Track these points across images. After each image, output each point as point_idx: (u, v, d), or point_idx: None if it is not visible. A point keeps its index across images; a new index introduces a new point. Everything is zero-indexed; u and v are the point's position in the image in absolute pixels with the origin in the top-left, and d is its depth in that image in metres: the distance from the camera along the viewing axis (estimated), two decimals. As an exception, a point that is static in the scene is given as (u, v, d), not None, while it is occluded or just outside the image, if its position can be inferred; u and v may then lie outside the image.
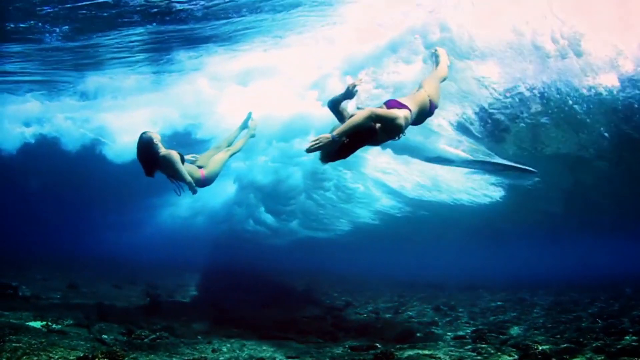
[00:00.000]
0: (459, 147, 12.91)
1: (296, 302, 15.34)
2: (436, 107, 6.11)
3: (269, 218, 25.66)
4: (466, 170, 15.33)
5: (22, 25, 11.42)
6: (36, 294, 12.31)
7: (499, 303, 15.76)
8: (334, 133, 4.91)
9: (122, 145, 19.50)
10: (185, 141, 18.02)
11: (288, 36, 12.93)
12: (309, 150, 4.87)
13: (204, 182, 7.26)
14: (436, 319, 12.71)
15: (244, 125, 8.42)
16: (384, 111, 5.26)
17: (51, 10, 10.75)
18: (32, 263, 21.98)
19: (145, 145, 6.55)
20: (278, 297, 16.31)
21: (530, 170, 13.42)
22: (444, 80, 6.78)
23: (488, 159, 13.19)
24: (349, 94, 5.58)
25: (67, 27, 11.65)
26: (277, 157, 18.83)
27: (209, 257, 33.45)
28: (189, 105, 17.88)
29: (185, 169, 6.84)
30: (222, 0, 10.85)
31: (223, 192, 27.60)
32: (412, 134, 11.93)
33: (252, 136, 8.41)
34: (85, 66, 15.14)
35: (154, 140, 6.60)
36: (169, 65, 15.55)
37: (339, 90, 5.73)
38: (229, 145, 8.03)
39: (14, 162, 22.01)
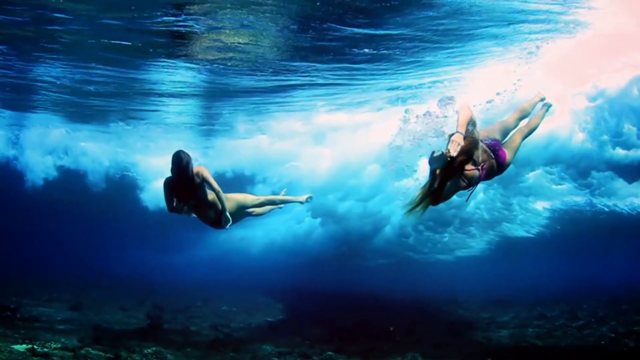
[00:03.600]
0: None
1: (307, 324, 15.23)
2: (495, 142, 5.55)
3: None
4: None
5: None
6: (35, 316, 12.59)
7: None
8: (458, 129, 4.63)
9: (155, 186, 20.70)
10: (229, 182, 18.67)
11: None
12: (455, 155, 4.51)
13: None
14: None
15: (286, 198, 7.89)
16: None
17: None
18: (54, 284, 22.37)
19: (186, 162, 6.11)
20: (285, 321, 16.25)
21: None
22: (527, 114, 6.22)
23: None
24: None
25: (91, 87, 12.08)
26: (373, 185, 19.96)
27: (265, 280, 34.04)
28: (239, 155, 18.84)
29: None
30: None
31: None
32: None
33: (305, 202, 7.90)
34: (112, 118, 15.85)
35: (190, 158, 6.25)
36: (214, 125, 16.32)
37: None
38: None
39: (43, 189, 23.16)
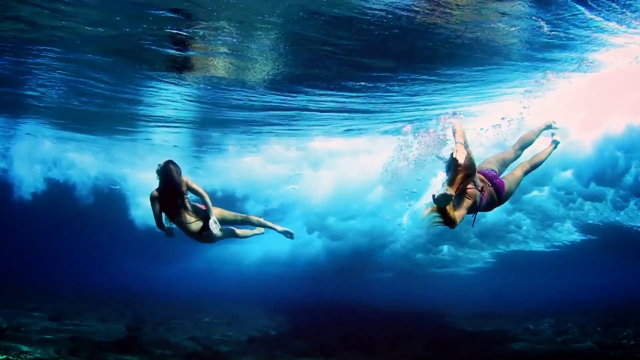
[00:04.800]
0: None
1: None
2: (491, 171, 5.61)
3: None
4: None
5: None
6: (14, 326, 12.64)
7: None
8: (458, 141, 4.86)
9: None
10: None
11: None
12: (463, 162, 4.69)
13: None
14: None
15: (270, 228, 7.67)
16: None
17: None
18: (37, 295, 22.29)
19: (176, 172, 6.20)
20: (269, 333, 16.31)
21: None
22: (529, 143, 6.16)
23: None
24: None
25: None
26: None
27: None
28: (231, 176, 19.18)
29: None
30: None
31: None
32: None
33: (282, 233, 7.55)
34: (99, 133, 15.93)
35: (179, 168, 6.33)
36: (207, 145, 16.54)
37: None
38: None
39: (29, 200, 23.35)
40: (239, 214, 7.39)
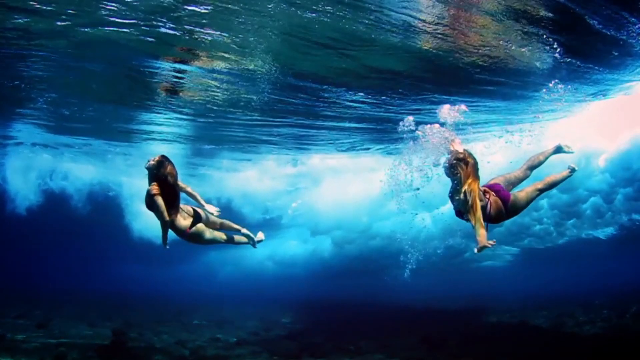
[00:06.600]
0: None
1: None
2: (496, 184, 5.79)
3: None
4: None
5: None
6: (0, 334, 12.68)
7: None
8: (451, 139, 5.56)
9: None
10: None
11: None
12: (464, 149, 5.32)
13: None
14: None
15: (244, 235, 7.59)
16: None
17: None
18: (27, 301, 22.31)
19: (172, 167, 6.13)
20: (258, 334, 16.40)
21: None
22: (538, 164, 6.20)
23: None
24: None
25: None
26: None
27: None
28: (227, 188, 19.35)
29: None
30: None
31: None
32: None
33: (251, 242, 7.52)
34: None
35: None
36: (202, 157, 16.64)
37: None
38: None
39: (25, 207, 23.38)
40: (217, 219, 7.44)
